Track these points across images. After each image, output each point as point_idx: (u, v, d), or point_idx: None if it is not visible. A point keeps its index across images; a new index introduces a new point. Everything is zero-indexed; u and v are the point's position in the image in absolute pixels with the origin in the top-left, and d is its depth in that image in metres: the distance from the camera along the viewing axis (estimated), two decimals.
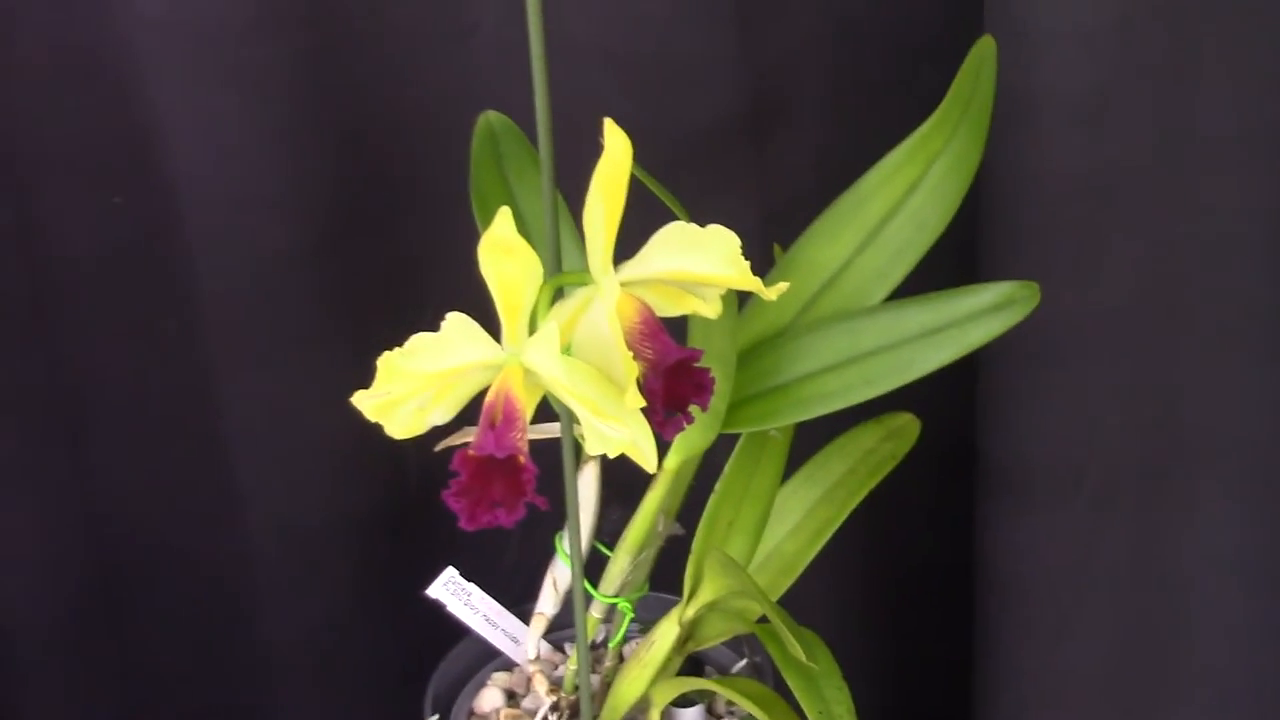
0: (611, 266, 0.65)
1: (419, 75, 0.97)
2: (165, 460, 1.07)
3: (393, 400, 0.63)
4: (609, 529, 0.88)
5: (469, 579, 0.88)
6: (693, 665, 0.91)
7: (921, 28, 0.99)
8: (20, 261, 1.00)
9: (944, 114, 0.83)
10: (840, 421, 0.86)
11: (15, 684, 1.09)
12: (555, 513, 0.67)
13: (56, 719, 1.11)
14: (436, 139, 0.96)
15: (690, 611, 0.84)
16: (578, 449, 0.69)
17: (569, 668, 0.89)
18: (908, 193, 0.84)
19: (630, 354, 0.64)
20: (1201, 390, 0.92)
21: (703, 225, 0.67)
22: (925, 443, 0.89)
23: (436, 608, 0.89)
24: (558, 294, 0.66)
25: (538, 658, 0.91)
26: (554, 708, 0.88)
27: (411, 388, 0.62)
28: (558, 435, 0.70)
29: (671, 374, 0.66)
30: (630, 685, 0.85)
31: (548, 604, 0.90)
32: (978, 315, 0.78)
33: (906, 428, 0.89)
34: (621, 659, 0.89)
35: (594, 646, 0.91)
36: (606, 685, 0.88)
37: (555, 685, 0.90)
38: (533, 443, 0.63)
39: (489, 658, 0.93)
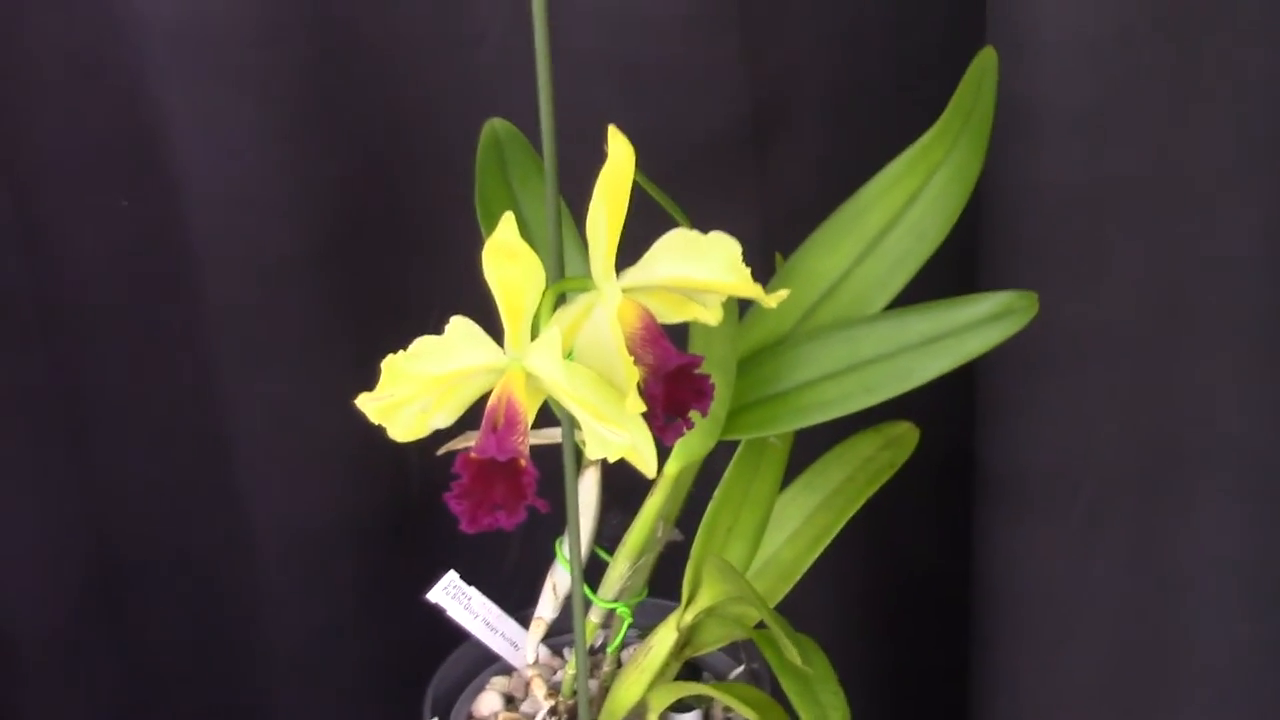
0: (614, 272, 0.66)
1: (425, 82, 0.97)
2: (166, 461, 1.08)
3: (396, 403, 0.63)
4: (609, 534, 0.88)
5: (469, 583, 0.89)
6: (690, 671, 0.91)
7: (923, 38, 0.99)
8: (24, 262, 1.00)
9: (945, 125, 0.83)
10: (839, 429, 0.86)
11: (16, 684, 1.09)
12: (555, 517, 0.67)
13: (56, 719, 1.12)
14: (442, 145, 0.97)
15: (688, 617, 0.84)
16: (578, 454, 0.70)
17: (567, 672, 0.89)
18: (908, 203, 0.84)
19: (631, 359, 0.64)
20: (1199, 400, 0.92)
21: (705, 232, 0.67)
22: (924, 451, 0.89)
23: (436, 612, 0.89)
24: (560, 299, 0.67)
25: (536, 662, 0.91)
26: (552, 712, 0.88)
27: (415, 390, 0.63)
28: (559, 440, 0.71)
29: (672, 379, 0.66)
30: (628, 690, 0.85)
31: (547, 609, 0.90)
32: (976, 325, 0.79)
33: (905, 436, 0.90)
34: (620, 664, 0.90)
35: (592, 651, 0.91)
36: (604, 690, 0.88)
37: (554, 690, 0.90)
38: (534, 447, 0.63)
39: (488, 662, 0.93)
